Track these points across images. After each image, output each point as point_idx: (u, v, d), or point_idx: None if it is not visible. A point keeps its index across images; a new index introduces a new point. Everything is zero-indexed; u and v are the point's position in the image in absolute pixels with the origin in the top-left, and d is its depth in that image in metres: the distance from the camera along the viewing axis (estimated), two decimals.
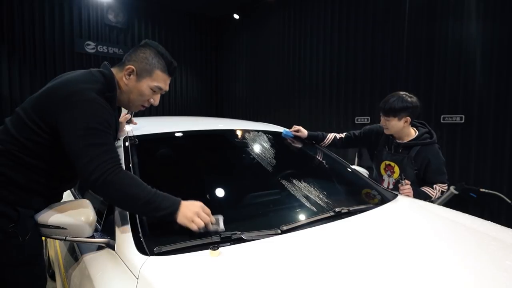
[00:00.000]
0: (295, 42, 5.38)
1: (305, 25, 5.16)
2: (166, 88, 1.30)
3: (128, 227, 1.15)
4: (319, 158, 2.17)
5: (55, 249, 1.86)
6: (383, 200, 1.68)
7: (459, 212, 1.59)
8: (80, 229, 1.13)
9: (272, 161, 1.76)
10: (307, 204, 1.49)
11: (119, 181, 1.03)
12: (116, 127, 1.28)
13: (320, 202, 1.51)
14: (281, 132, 2.17)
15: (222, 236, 1.12)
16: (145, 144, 1.58)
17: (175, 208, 1.08)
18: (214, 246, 0.99)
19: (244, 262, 1.00)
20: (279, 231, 1.20)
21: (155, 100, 1.30)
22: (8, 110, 5.10)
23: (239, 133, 1.98)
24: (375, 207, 1.53)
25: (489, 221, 1.48)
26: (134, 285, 0.90)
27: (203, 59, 7.61)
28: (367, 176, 2.24)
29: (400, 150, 2.02)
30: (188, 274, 0.92)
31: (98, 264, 1.13)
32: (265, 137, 2.00)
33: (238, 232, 1.14)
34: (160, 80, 1.26)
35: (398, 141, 2.03)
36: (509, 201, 2.74)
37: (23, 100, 1.25)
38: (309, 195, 1.56)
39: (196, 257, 1.00)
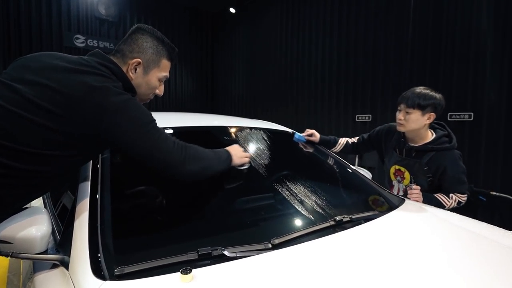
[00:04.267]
0: (292, 37, 5.19)
1: (303, 19, 4.97)
2: (169, 75, 1.22)
3: (86, 241, 0.95)
4: (318, 158, 1.99)
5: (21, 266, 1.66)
6: (390, 207, 1.49)
7: (472, 219, 1.41)
8: (29, 244, 0.95)
9: (265, 161, 1.56)
10: (303, 211, 1.30)
11: (198, 154, 1.09)
12: None
13: (318, 209, 1.32)
14: (277, 130, 1.99)
15: (200, 253, 0.92)
16: None
17: (229, 155, 1.21)
18: (186, 269, 0.79)
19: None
20: (270, 246, 1.01)
21: (161, 90, 1.22)
22: None
23: (229, 130, 1.79)
24: (381, 215, 1.34)
25: (503, 229, 1.30)
26: None
27: (199, 54, 7.40)
28: (370, 177, 2.05)
29: (413, 155, 1.77)
30: None
31: (48, 286, 0.93)
32: (258, 135, 1.81)
33: (220, 248, 0.94)
34: (166, 69, 1.18)
35: (410, 144, 1.79)
36: None
37: None
38: (306, 201, 1.36)
39: (163, 282, 0.80)
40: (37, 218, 1.01)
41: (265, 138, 1.82)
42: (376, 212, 1.38)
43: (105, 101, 0.93)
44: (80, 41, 5.62)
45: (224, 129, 1.81)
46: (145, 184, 1.26)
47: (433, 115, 1.68)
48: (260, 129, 1.90)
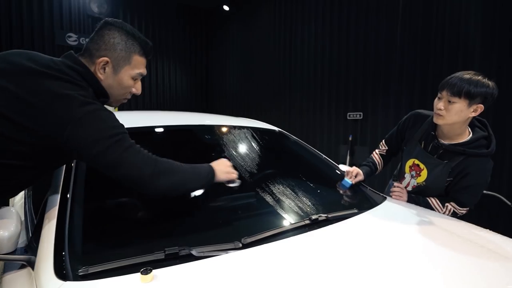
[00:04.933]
0: (285, 36, 5.18)
1: (295, 18, 4.96)
2: (145, 72, 1.13)
3: (52, 241, 0.94)
4: (297, 155, 1.97)
5: None
6: (369, 205, 1.48)
7: (453, 219, 1.40)
8: None
9: (241, 159, 1.55)
10: (279, 210, 1.29)
11: (170, 168, 1.02)
12: None
13: (295, 208, 1.32)
14: (262, 129, 1.98)
15: (167, 252, 0.92)
16: None
17: (212, 170, 1.11)
18: (146, 269, 0.79)
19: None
20: (240, 245, 1.00)
21: (138, 88, 1.13)
22: None
23: (207, 128, 1.78)
24: (357, 214, 1.33)
25: (488, 230, 1.29)
26: None
27: (193, 51, 7.36)
28: None
29: (440, 152, 1.50)
30: None
31: (15, 286, 0.93)
32: (236, 132, 1.80)
33: (187, 248, 0.94)
34: (140, 65, 1.08)
35: (441, 140, 1.51)
36: (509, 203, 2.56)
37: None
38: (283, 199, 1.36)
39: (123, 282, 0.79)
40: (6, 218, 1.01)
41: (248, 136, 1.81)
42: (354, 211, 1.37)
43: (67, 113, 0.89)
44: (72, 39, 5.59)
45: (205, 128, 1.79)
46: (116, 186, 1.26)
47: (480, 107, 1.37)
48: (243, 127, 1.90)
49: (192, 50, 7.35)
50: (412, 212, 1.45)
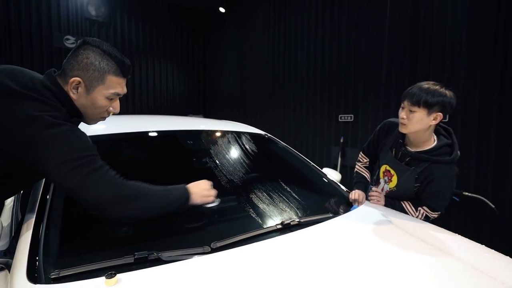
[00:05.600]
0: (279, 38, 5.21)
1: (288, 20, 4.99)
2: (124, 91, 1.10)
3: (27, 245, 0.99)
4: (277, 159, 2.00)
5: None
6: (345, 209, 1.52)
7: (429, 224, 1.43)
8: None
9: (222, 164, 1.59)
10: (254, 215, 1.33)
11: (135, 193, 1.01)
12: None
13: (269, 213, 1.36)
14: (252, 133, 2.00)
15: (136, 257, 0.96)
16: None
17: (186, 194, 1.10)
18: (111, 273, 0.83)
19: None
20: (209, 249, 1.05)
21: (115, 107, 1.11)
22: None
23: (191, 133, 1.82)
24: (331, 218, 1.37)
25: (459, 235, 1.32)
26: None
27: (190, 53, 7.41)
28: (337, 179, 2.08)
29: (407, 160, 1.58)
30: None
31: None
32: (222, 137, 1.83)
33: (156, 252, 0.98)
34: (115, 85, 1.06)
35: (408, 147, 1.58)
36: (493, 206, 2.58)
37: None
38: (258, 204, 1.40)
39: (89, 286, 0.84)
40: None
41: (232, 141, 1.85)
42: (330, 215, 1.41)
43: (34, 134, 0.90)
44: (70, 42, 5.64)
45: (188, 133, 1.83)
46: None
47: (440, 116, 1.44)
48: (229, 132, 1.93)
49: (189, 51, 7.39)
50: (384, 217, 1.47)
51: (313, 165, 1.97)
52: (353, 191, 1.64)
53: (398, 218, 1.47)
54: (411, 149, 1.57)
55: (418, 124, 1.46)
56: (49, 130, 0.91)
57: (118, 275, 0.86)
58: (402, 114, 1.50)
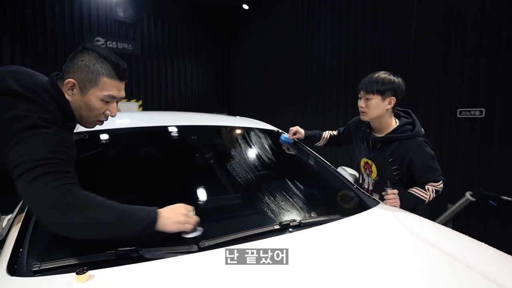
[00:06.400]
0: (302, 34, 5.08)
1: (313, 15, 4.84)
2: (121, 94, 1.10)
3: (14, 237, 0.98)
4: (287, 154, 1.90)
5: None
6: (358, 210, 1.39)
7: (450, 230, 1.28)
8: None
9: (229, 159, 1.52)
10: (252, 214, 1.26)
11: (81, 203, 0.88)
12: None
13: (268, 212, 1.27)
14: (265, 129, 1.94)
15: (118, 253, 0.92)
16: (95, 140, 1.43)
17: (153, 218, 0.95)
18: (82, 269, 0.79)
19: None
20: (196, 248, 0.98)
21: (112, 110, 1.10)
22: None
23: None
24: (334, 220, 1.25)
25: (485, 244, 1.15)
26: None
27: (214, 52, 7.47)
28: (353, 178, 1.94)
29: (378, 146, 1.70)
30: None
31: None
32: (230, 132, 1.77)
33: (138, 249, 0.93)
34: (110, 88, 1.06)
35: (375, 134, 1.72)
36: None
37: None
38: (257, 203, 1.31)
39: (60, 280, 0.80)
40: None
41: (240, 137, 1.78)
42: (337, 216, 1.30)
43: (10, 133, 0.90)
44: (100, 43, 5.89)
45: (193, 128, 1.79)
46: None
47: (393, 99, 1.60)
48: (238, 127, 1.87)
49: (214, 49, 7.46)
50: (399, 220, 1.33)
51: (325, 162, 1.85)
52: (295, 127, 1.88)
53: (411, 220, 1.34)
54: (378, 135, 1.70)
55: (376, 110, 1.60)
56: (30, 131, 0.90)
57: (94, 271, 0.82)
58: (361, 103, 1.65)
